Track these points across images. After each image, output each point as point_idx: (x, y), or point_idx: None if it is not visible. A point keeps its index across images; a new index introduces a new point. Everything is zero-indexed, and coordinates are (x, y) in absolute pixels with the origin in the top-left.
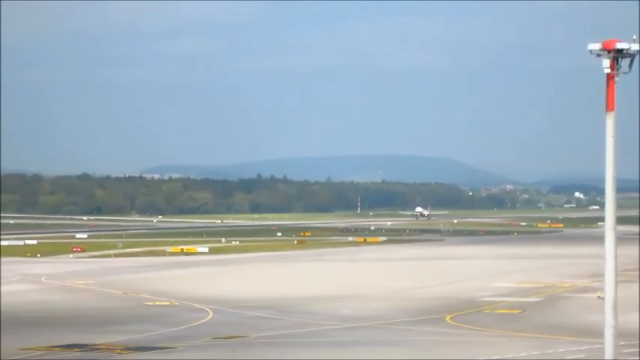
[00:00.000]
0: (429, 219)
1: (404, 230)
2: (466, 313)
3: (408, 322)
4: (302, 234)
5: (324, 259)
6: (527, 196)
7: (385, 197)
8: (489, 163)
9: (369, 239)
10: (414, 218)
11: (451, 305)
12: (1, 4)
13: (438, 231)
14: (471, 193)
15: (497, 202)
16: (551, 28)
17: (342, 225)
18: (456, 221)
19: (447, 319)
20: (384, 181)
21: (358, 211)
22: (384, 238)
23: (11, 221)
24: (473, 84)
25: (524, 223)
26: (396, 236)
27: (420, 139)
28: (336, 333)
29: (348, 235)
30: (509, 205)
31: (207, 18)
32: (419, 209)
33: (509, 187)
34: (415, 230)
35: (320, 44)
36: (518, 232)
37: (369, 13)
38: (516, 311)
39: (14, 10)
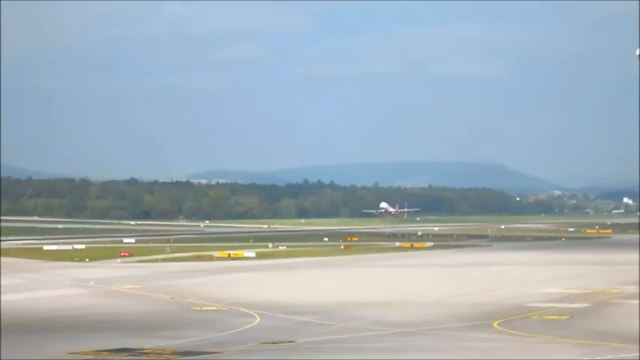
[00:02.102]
0: (396, 217)
1: (451, 236)
2: (514, 319)
3: (455, 327)
4: (349, 239)
5: (371, 265)
6: (574, 201)
7: (432, 203)
8: (537, 169)
9: (415, 244)
10: (375, 214)
11: (499, 311)
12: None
13: (486, 236)
14: (518, 199)
15: (545, 207)
16: (602, 34)
17: (388, 230)
18: (503, 227)
19: (495, 325)
20: (430, 187)
21: (405, 217)
22: (431, 244)
23: (60, 226)
24: (521, 90)
25: (572, 229)
26: (443, 242)
27: (468, 145)
28: (382, 339)
29: (395, 241)
30: (556, 211)
31: (254, 25)
32: (384, 205)
33: (556, 192)
34: (462, 236)
35: (368, 51)
36: (566, 238)
37: (420, 20)
38: (565, 317)
39: (60, 14)
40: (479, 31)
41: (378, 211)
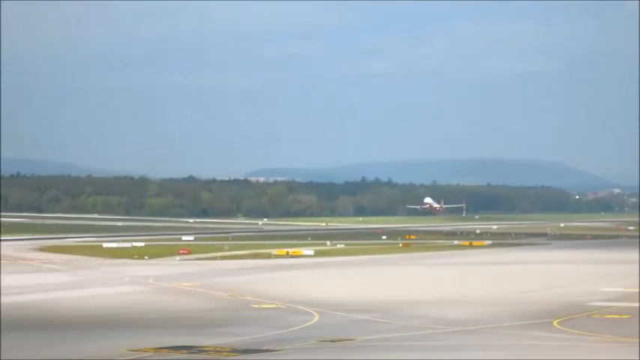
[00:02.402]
0: (440, 212)
1: (510, 234)
2: (574, 318)
3: (514, 326)
4: (407, 237)
5: (430, 263)
6: (635, 199)
7: (491, 201)
8: (597, 167)
9: (474, 243)
10: (420, 209)
11: (558, 310)
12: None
13: (545, 234)
14: (577, 197)
15: (605, 206)
16: None
17: (447, 228)
18: (562, 225)
19: (555, 323)
20: (489, 185)
21: (464, 215)
22: (490, 242)
23: (119, 223)
24: (580, 87)
25: (632, 227)
26: (501, 240)
27: (527, 142)
28: (442, 337)
29: (454, 239)
30: (616, 209)
31: (307, 22)
32: (428, 200)
33: (616, 190)
34: (521, 234)
35: (419, 47)
36: (626, 237)
37: (474, 16)
38: (626, 316)
39: (115, 11)
40: (527, 28)
41: (423, 206)
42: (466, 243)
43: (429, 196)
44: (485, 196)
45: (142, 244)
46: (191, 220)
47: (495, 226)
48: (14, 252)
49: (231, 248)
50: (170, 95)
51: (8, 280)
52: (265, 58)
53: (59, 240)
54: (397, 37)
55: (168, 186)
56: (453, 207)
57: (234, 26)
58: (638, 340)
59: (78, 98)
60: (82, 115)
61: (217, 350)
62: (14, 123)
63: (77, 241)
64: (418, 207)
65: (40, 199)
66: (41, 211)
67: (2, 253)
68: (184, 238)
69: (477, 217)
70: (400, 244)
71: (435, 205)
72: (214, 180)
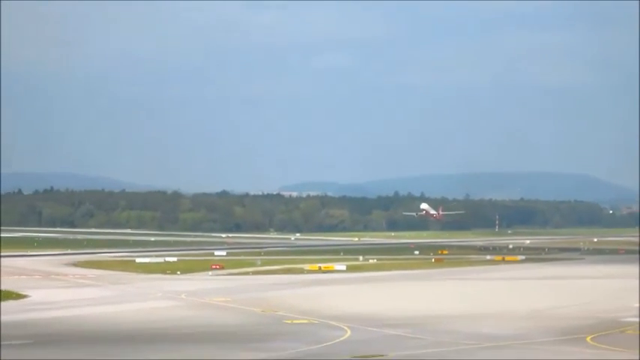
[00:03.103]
0: (438, 220)
1: (543, 249)
2: (608, 334)
3: (548, 341)
4: (440, 252)
5: (462, 278)
6: None
7: (524, 215)
8: (630, 181)
9: (507, 258)
10: (416, 216)
11: (592, 325)
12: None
13: (578, 249)
14: (611, 212)
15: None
16: None
17: (480, 243)
18: (596, 240)
19: (588, 339)
20: (522, 199)
21: (496, 229)
22: (523, 257)
23: (152, 238)
24: (616, 100)
25: None
26: (534, 255)
27: (561, 155)
28: (475, 352)
29: (486, 254)
30: None
31: (345, 33)
32: (424, 206)
33: None
34: (554, 249)
35: (456, 60)
36: None
37: (512, 28)
38: None
39: (152, 25)
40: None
41: (419, 213)
42: (499, 258)
43: (425, 203)
44: (517, 210)
45: (175, 259)
46: (224, 235)
47: (528, 241)
48: (48, 267)
49: (264, 263)
50: (203, 109)
51: (41, 295)
52: (298, 69)
53: (92, 255)
54: (431, 50)
55: (201, 200)
56: (452, 214)
57: (266, 38)
58: None
59: (112, 112)
60: (116, 129)
61: None
62: (47, 137)
63: (110, 256)
64: (414, 214)
65: (74, 213)
66: (74, 226)
67: (36, 268)
68: (217, 253)
69: (509, 231)
70: (433, 259)
71: (432, 211)
72: (247, 194)
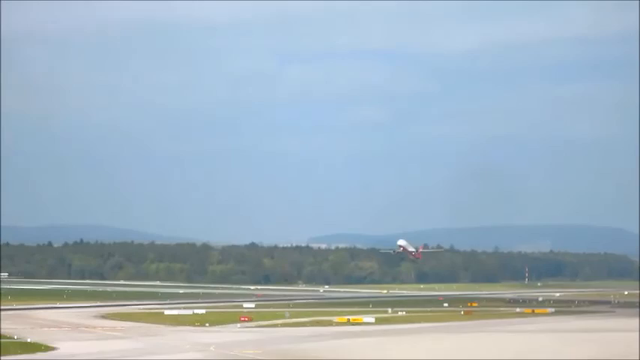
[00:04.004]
0: (413, 258)
1: (573, 301)
2: None
3: None
4: (469, 304)
5: (492, 330)
6: None
7: (553, 267)
8: None
9: (537, 310)
10: (393, 253)
11: None
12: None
13: (608, 302)
14: None
15: None
16: None
17: (509, 295)
18: (626, 292)
19: None
20: (552, 251)
21: (526, 282)
22: (553, 310)
23: (181, 290)
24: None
25: None
26: (564, 307)
27: (591, 208)
28: None
29: (516, 306)
30: None
31: (376, 87)
32: (402, 242)
33: None
34: (584, 301)
35: (487, 112)
36: None
37: (537, 81)
38: None
39: (182, 76)
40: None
41: (396, 250)
42: (528, 310)
43: (403, 239)
44: (547, 262)
45: (204, 311)
46: (252, 287)
47: (558, 294)
48: (77, 319)
49: (293, 315)
50: (231, 160)
51: (70, 347)
52: (329, 123)
53: (122, 307)
54: (456, 103)
55: (230, 252)
56: (432, 251)
57: (294, 90)
58: None
59: (141, 165)
60: (145, 182)
61: None
62: (77, 190)
63: (139, 308)
64: (391, 251)
65: (103, 265)
66: (104, 278)
67: (66, 320)
68: (246, 305)
69: (539, 284)
70: (462, 312)
71: (411, 248)
72: (276, 246)
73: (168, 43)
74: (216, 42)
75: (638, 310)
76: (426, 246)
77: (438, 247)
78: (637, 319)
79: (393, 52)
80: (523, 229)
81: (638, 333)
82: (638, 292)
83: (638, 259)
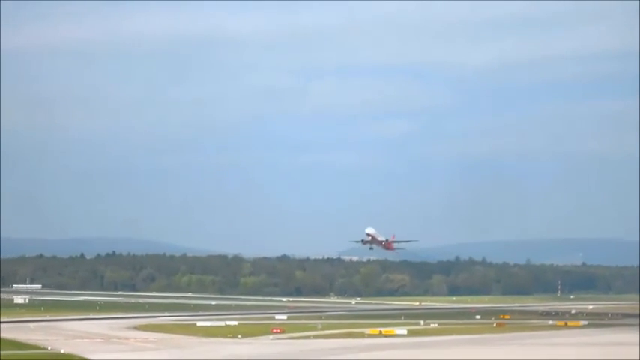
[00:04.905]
0: (387, 248)
1: (606, 314)
2: None
3: None
4: (501, 317)
5: (524, 343)
6: None
7: (585, 280)
8: None
9: (569, 323)
10: (362, 243)
11: None
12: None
13: None
14: None
15: None
16: None
17: (541, 308)
18: None
19: None
20: (584, 264)
21: (558, 294)
22: (585, 322)
23: (213, 302)
24: None
25: None
26: (597, 320)
27: (622, 221)
28: None
29: (548, 319)
30: None
31: (404, 101)
32: (370, 231)
33: None
34: (617, 314)
35: (518, 127)
36: None
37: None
38: None
39: (214, 90)
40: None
41: (365, 240)
42: (561, 323)
43: (372, 227)
44: (580, 275)
45: (236, 322)
46: (284, 299)
47: (591, 306)
48: (109, 330)
49: (325, 327)
50: (263, 172)
51: (102, 358)
52: (361, 137)
53: (154, 318)
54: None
55: (261, 264)
56: (405, 242)
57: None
58: None
59: (172, 177)
60: (176, 195)
61: None
62: (108, 202)
63: (171, 320)
64: (360, 241)
65: (135, 277)
66: (136, 290)
67: (98, 331)
68: (278, 316)
69: (571, 296)
70: (494, 324)
71: (380, 237)
72: (308, 258)
73: (196, 57)
74: (240, 56)
75: None
76: (539, 282)
77: (414, 240)
78: None
79: (415, 66)
80: (554, 242)
81: None
82: None
83: None
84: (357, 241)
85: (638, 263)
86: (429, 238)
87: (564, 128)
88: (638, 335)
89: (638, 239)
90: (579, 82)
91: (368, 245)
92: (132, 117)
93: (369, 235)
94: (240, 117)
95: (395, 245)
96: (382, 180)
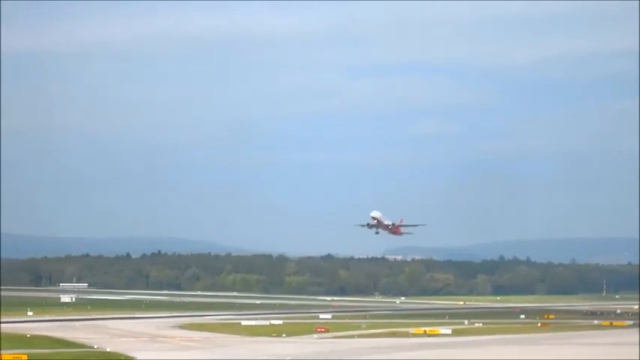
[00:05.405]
0: (393, 232)
1: None
2: None
3: None
4: (545, 316)
5: (569, 342)
6: None
7: (632, 280)
8: None
9: (615, 322)
10: (367, 227)
11: None
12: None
13: None
14: None
15: None
16: None
17: (586, 308)
18: None
19: None
20: (630, 264)
21: (603, 294)
22: (631, 322)
23: (257, 301)
24: None
25: None
26: None
27: None
28: None
29: (593, 319)
30: None
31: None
32: (376, 214)
33: None
34: None
35: (557, 126)
36: None
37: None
38: None
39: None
40: None
41: (370, 224)
42: (606, 323)
43: (377, 210)
44: (625, 275)
45: (280, 321)
46: (328, 298)
47: (637, 306)
48: (155, 330)
49: (369, 326)
50: (307, 172)
51: (147, 357)
52: (407, 136)
53: (199, 318)
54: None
55: (306, 264)
56: (412, 226)
57: (372, 104)
58: None
59: (216, 177)
60: (221, 194)
61: None
62: (156, 202)
63: (216, 319)
64: (366, 225)
65: (180, 276)
66: (181, 289)
67: (143, 330)
68: (322, 316)
69: (617, 296)
70: (539, 324)
71: (387, 221)
72: (352, 258)
73: (237, 56)
74: (280, 55)
75: None
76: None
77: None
78: None
79: (456, 65)
80: (600, 241)
81: None
82: None
83: None
84: (363, 225)
85: None
86: (472, 237)
87: (608, 126)
88: None
89: None
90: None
91: (374, 230)
92: (173, 117)
93: (374, 218)
94: (282, 116)
95: (402, 230)
96: (426, 177)
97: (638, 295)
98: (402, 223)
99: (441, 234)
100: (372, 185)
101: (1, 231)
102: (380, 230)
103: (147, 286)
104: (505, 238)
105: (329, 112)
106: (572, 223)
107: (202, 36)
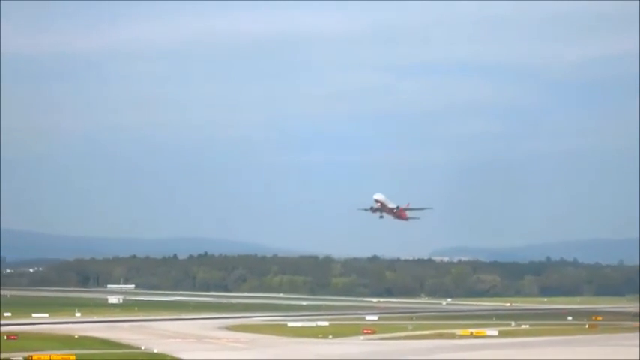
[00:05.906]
0: (400, 217)
1: None
2: None
3: None
4: (593, 318)
5: (617, 344)
6: None
7: None
8: None
9: None
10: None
11: None
12: None
13: None
14: None
15: None
16: None
17: (634, 309)
18: None
19: None
20: None
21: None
22: None
23: (304, 302)
24: None
25: None
26: None
27: None
28: None
29: None
30: None
31: (486, 99)
32: (379, 197)
33: None
34: None
35: (603, 125)
36: None
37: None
38: None
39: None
40: None
41: (374, 207)
42: None
43: (381, 193)
44: None
45: (327, 323)
46: (375, 300)
47: None
48: (201, 330)
49: (415, 328)
50: (352, 174)
51: (194, 358)
52: (449, 135)
53: (245, 319)
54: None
55: (352, 265)
56: (419, 209)
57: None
58: None
59: (262, 178)
60: (268, 196)
61: None
62: (203, 203)
63: (263, 320)
64: (369, 208)
65: (227, 277)
66: (228, 290)
67: (190, 331)
68: (368, 317)
69: None
70: (586, 325)
71: (391, 205)
72: (398, 259)
73: (283, 57)
74: (325, 55)
75: None
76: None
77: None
78: None
79: (501, 64)
80: None
81: None
82: None
83: None
84: (366, 209)
85: None
86: (519, 238)
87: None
88: None
89: None
90: None
91: (378, 213)
92: (220, 118)
93: (377, 201)
94: (328, 117)
95: (408, 214)
96: (473, 179)
97: None
98: (408, 207)
99: (488, 235)
100: (422, 185)
101: (44, 231)
102: (384, 214)
103: (194, 287)
104: (552, 238)
105: (373, 112)
106: (620, 223)
107: (252, 37)
